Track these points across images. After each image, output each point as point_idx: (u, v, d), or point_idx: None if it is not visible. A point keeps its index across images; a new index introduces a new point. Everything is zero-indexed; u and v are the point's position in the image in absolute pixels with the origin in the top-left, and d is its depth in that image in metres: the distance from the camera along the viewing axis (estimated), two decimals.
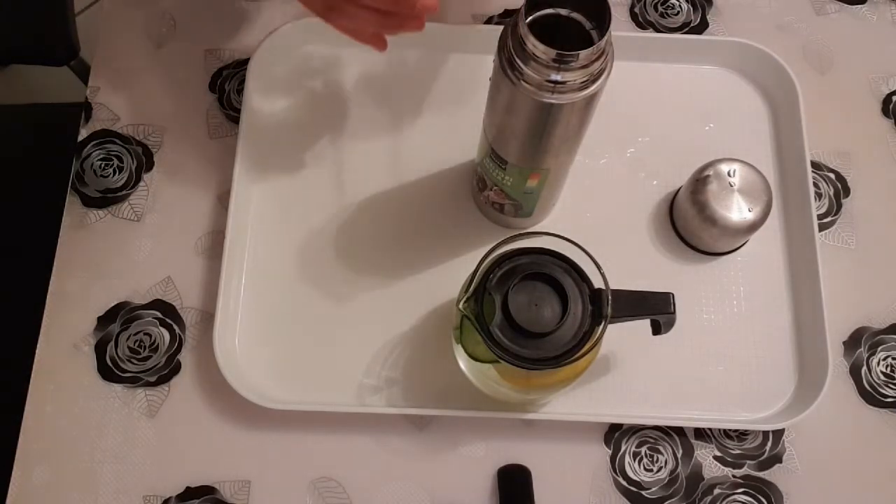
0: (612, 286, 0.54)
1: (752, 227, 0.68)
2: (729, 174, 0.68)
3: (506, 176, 0.63)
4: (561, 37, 0.50)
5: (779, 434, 0.68)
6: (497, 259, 0.56)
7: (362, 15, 0.56)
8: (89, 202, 0.74)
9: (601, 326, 0.54)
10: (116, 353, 0.69)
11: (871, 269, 0.73)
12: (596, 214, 0.74)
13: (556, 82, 0.50)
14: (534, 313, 0.54)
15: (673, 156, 0.75)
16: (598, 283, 0.55)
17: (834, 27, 0.82)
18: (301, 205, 0.73)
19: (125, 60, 0.79)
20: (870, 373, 0.70)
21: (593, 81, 0.51)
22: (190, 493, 0.66)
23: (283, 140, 0.76)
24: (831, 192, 0.76)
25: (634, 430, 0.68)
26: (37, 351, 0.69)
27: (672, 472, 0.67)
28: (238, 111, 0.75)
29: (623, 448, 0.67)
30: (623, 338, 0.64)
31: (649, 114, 0.77)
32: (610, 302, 0.54)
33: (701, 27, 0.81)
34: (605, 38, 0.48)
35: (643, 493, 0.66)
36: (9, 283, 0.89)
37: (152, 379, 0.69)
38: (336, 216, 0.73)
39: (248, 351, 0.69)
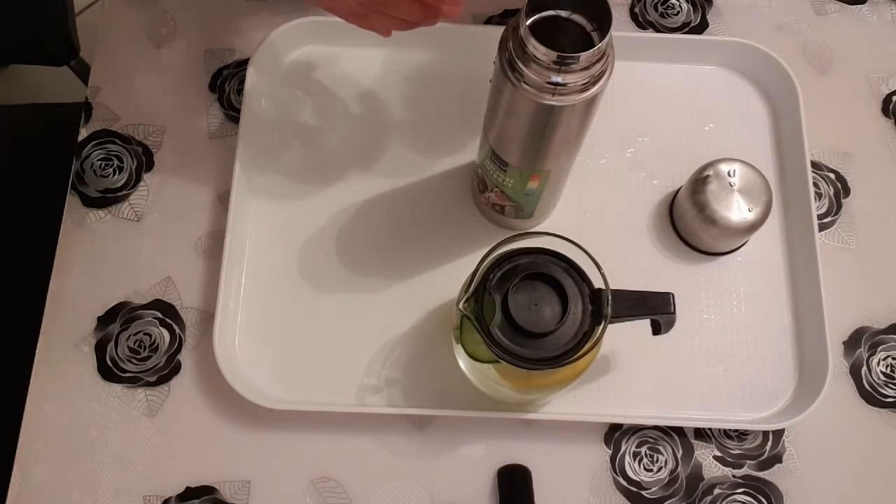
0: (612, 286, 0.54)
1: (752, 227, 0.68)
2: (729, 174, 0.68)
3: (506, 178, 0.63)
4: (562, 38, 0.50)
5: (779, 434, 0.68)
6: (497, 259, 0.56)
7: (387, 23, 0.58)
8: (89, 202, 0.74)
9: (601, 326, 0.54)
10: (116, 353, 0.69)
11: (871, 269, 0.73)
12: (596, 214, 0.74)
13: (556, 84, 0.50)
14: (534, 313, 0.54)
15: (673, 156, 0.75)
16: (598, 283, 0.55)
17: (834, 27, 0.82)
18: (301, 205, 0.73)
19: (125, 60, 0.79)
20: (870, 373, 0.70)
21: (594, 83, 0.51)
22: (190, 493, 0.66)
23: (283, 140, 0.76)
24: (831, 192, 0.76)
25: (634, 430, 0.68)
26: (37, 351, 0.69)
27: (672, 472, 0.67)
28: (238, 111, 0.75)
29: (623, 448, 0.67)
30: (623, 338, 0.65)
31: (649, 114, 0.77)
32: (610, 302, 0.54)
33: (701, 27, 0.81)
34: (606, 39, 0.48)
35: (643, 493, 0.66)
36: (9, 283, 0.89)
37: (152, 379, 0.69)
38: (336, 216, 0.73)
39: (248, 351, 0.69)
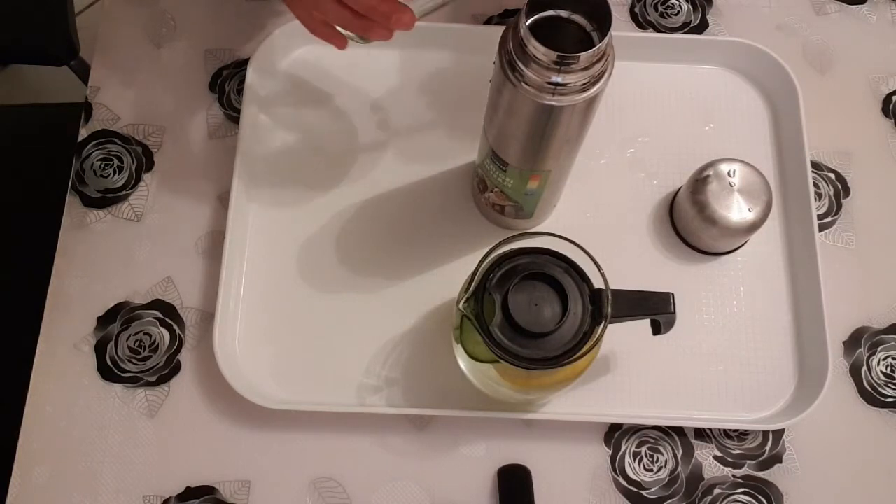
0: (612, 286, 0.54)
1: (752, 227, 0.68)
2: (729, 174, 0.68)
3: (506, 178, 0.63)
4: (562, 39, 0.50)
5: (779, 434, 0.68)
6: (497, 259, 0.56)
7: (335, 11, 0.56)
8: (89, 202, 0.74)
9: (601, 326, 0.54)
10: (116, 353, 0.69)
11: (871, 269, 0.73)
12: (596, 214, 0.74)
13: (556, 84, 0.50)
14: (534, 313, 0.54)
15: (673, 156, 0.75)
16: (598, 283, 0.55)
17: (834, 27, 0.82)
18: (301, 205, 0.73)
19: (125, 60, 0.79)
20: (870, 373, 0.70)
21: (594, 83, 0.51)
22: (190, 493, 0.66)
23: (283, 140, 0.76)
24: (831, 192, 0.76)
25: (634, 430, 0.68)
26: (37, 351, 0.69)
27: (672, 472, 0.67)
28: (238, 111, 0.75)
29: (623, 448, 0.67)
30: (623, 338, 0.64)
31: (649, 114, 0.77)
32: (610, 302, 0.54)
33: (701, 27, 0.81)
34: (606, 39, 0.48)
35: (643, 493, 0.66)
36: (9, 283, 0.89)
37: (152, 379, 0.69)
38: (336, 216, 0.73)
39: (248, 351, 0.69)
